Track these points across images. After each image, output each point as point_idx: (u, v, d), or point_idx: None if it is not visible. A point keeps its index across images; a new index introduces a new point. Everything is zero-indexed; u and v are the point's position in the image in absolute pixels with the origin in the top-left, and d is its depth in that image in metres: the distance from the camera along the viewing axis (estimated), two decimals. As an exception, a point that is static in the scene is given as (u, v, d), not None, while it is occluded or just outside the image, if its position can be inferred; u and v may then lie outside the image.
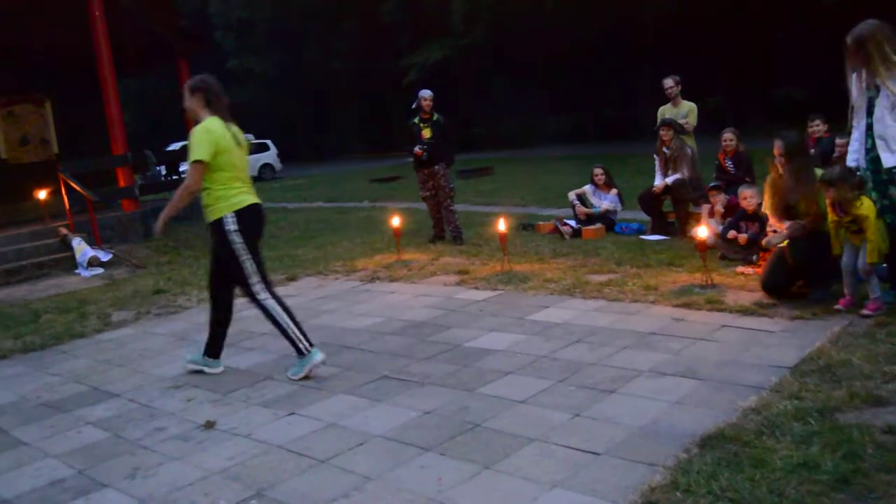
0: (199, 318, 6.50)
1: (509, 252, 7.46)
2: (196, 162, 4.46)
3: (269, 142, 30.16)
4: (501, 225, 7.34)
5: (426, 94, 9.07)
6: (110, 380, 5.02)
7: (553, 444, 3.35)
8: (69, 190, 10.72)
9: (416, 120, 9.12)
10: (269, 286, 4.72)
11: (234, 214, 4.55)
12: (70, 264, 9.62)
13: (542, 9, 27.89)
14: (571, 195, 9.32)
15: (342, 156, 39.72)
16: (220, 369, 4.99)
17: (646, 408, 3.64)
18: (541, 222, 9.64)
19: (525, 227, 9.69)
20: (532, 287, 6.39)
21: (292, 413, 4.09)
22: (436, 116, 9.02)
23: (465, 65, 34.74)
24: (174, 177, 19.84)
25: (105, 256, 9.63)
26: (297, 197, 19.11)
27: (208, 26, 38.85)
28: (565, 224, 8.87)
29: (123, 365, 5.34)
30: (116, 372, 5.19)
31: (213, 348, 4.98)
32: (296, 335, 4.61)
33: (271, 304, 4.65)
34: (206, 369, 4.97)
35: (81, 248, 9.62)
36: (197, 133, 4.49)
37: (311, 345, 4.66)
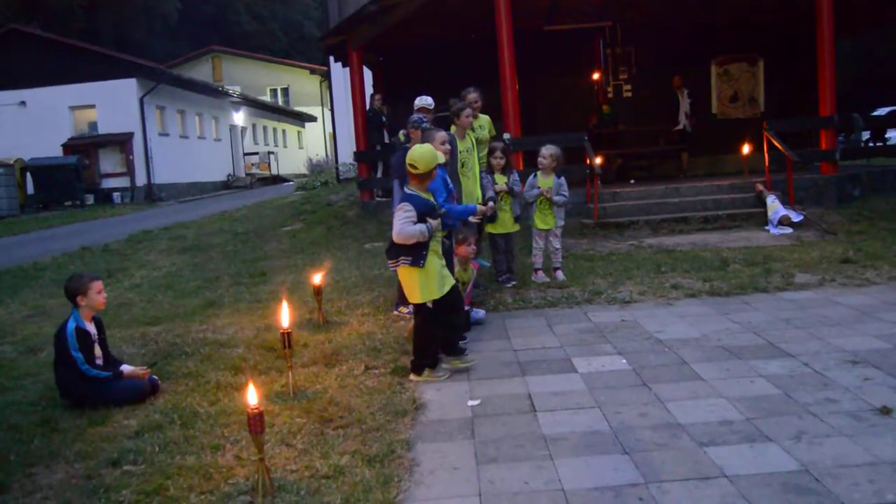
0: (887, 296, 6.06)
1: None
2: None
3: None
4: None
5: None
6: (786, 339, 5.10)
7: None
8: (771, 148, 10.99)
9: None
10: None
11: None
12: (761, 220, 9.91)
13: None
14: None
15: None
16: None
17: None
18: None
19: None
20: None
21: None
22: None
23: None
24: (878, 143, 18.52)
25: (797, 217, 9.63)
26: None
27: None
28: None
29: (801, 328, 5.34)
30: (794, 333, 5.23)
31: None
32: None
33: None
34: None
35: (775, 206, 9.80)
36: None
37: None
